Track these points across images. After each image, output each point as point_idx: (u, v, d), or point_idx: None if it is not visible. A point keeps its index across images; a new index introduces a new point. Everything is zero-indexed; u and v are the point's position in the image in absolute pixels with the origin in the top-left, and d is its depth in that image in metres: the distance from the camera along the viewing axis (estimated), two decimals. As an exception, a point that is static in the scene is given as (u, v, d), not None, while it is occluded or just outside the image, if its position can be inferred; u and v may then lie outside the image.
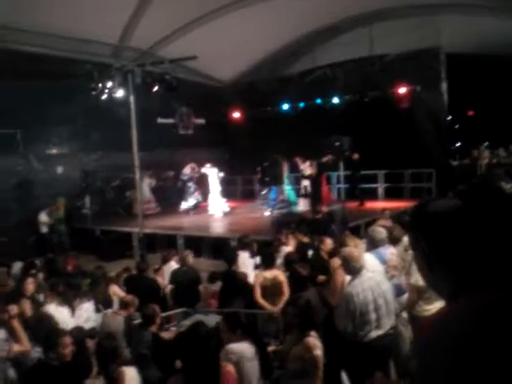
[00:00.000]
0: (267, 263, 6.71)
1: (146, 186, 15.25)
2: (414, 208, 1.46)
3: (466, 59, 16.56)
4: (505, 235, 1.31)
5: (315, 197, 13.67)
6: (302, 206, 13.98)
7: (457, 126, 23.92)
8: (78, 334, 4.78)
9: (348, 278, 4.60)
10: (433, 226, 1.35)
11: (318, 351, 3.93)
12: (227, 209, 15.06)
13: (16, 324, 4.67)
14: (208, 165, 15.10)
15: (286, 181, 14.64)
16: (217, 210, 14.79)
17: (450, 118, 19.29)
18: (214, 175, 14.89)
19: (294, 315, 4.27)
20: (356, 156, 14.43)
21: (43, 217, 13.42)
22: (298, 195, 14.52)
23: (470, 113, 24.51)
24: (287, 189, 14.67)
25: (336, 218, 11.23)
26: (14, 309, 4.81)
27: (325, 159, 14.03)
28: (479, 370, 1.09)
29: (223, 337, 4.26)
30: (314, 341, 3.99)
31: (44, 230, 13.43)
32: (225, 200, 15.17)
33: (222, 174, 15.27)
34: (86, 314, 5.97)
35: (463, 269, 1.29)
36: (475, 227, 1.31)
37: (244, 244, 8.49)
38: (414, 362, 1.30)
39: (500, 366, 1.07)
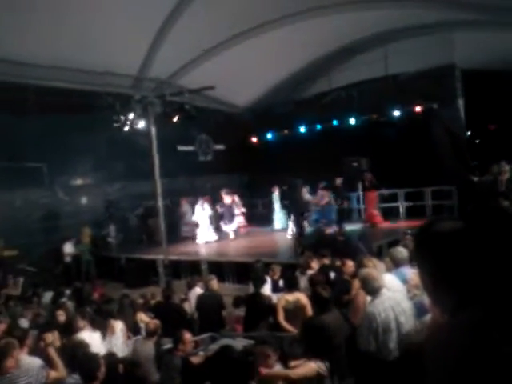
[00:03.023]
0: (290, 286, 6.80)
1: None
2: (420, 228, 1.53)
3: (482, 75, 16.57)
4: (506, 255, 1.36)
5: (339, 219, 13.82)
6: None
7: (477, 141, 23.73)
8: (111, 359, 4.94)
9: (369, 298, 4.68)
10: (437, 245, 1.43)
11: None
12: (214, 238, 15.25)
13: (52, 351, 4.85)
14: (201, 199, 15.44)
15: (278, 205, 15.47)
16: (202, 238, 15.07)
17: (469, 133, 19.19)
18: (201, 206, 15.18)
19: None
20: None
21: (68, 247, 13.71)
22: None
23: (491, 127, 24.29)
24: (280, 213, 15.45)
25: (361, 238, 11.23)
26: (49, 337, 5.02)
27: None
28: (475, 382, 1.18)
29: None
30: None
31: (68, 259, 13.70)
32: (212, 228, 15.43)
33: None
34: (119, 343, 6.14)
35: (465, 287, 1.36)
36: (477, 248, 1.37)
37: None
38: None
39: (496, 378, 1.15)
